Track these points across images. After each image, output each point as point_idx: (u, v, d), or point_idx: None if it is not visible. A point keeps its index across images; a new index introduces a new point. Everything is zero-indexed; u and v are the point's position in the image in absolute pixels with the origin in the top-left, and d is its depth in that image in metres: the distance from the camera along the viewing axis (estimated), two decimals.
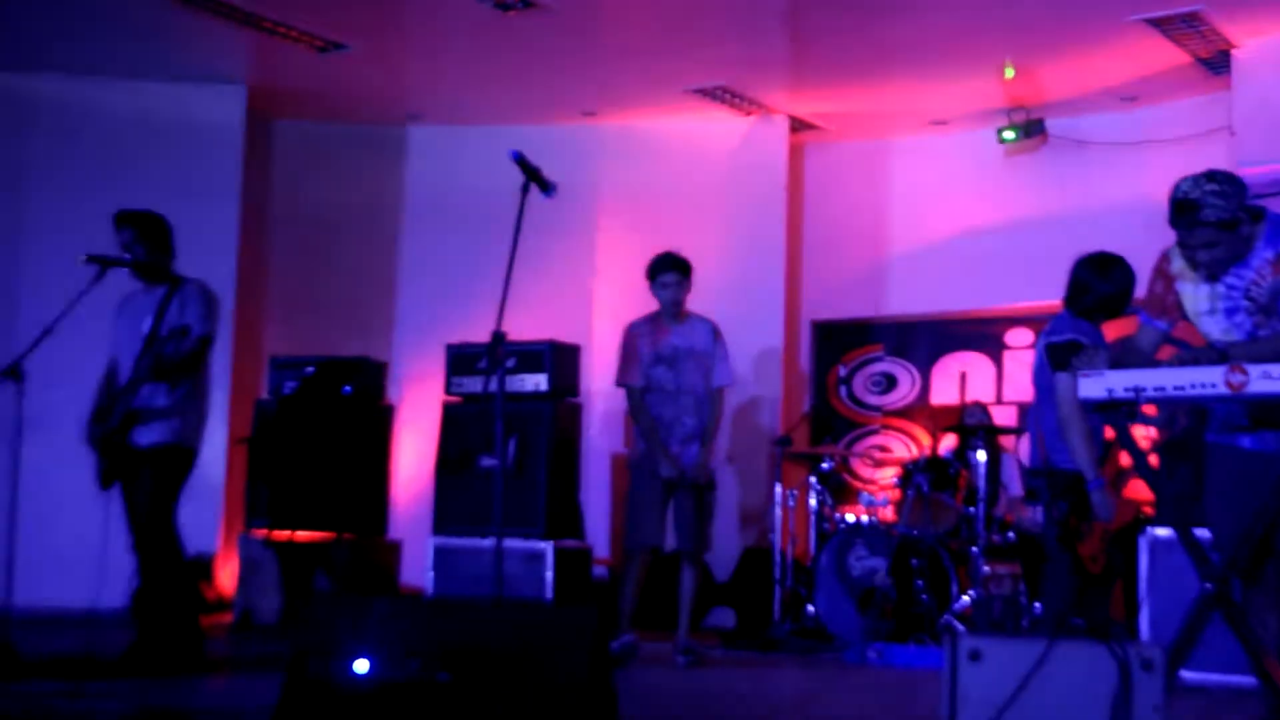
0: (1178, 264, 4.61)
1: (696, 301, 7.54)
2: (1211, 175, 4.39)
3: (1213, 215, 4.32)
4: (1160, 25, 8.39)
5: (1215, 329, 4.55)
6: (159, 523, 6.23)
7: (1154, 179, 9.58)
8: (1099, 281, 5.98)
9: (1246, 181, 4.48)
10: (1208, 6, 8.09)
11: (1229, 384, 4.16)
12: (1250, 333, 4.47)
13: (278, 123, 10.68)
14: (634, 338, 7.37)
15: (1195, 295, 4.58)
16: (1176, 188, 4.40)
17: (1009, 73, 9.29)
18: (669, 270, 7.29)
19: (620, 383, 7.38)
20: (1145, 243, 8.59)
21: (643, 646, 7.30)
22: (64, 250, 6.74)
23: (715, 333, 7.42)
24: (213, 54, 9.40)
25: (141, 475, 6.20)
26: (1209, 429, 4.71)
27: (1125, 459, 5.66)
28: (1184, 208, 4.36)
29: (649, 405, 7.28)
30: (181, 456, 6.31)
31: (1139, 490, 8.21)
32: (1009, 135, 10.00)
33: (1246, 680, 5.01)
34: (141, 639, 6.20)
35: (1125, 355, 4.72)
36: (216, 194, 9.68)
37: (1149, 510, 7.95)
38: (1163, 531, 6.67)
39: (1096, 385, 4.41)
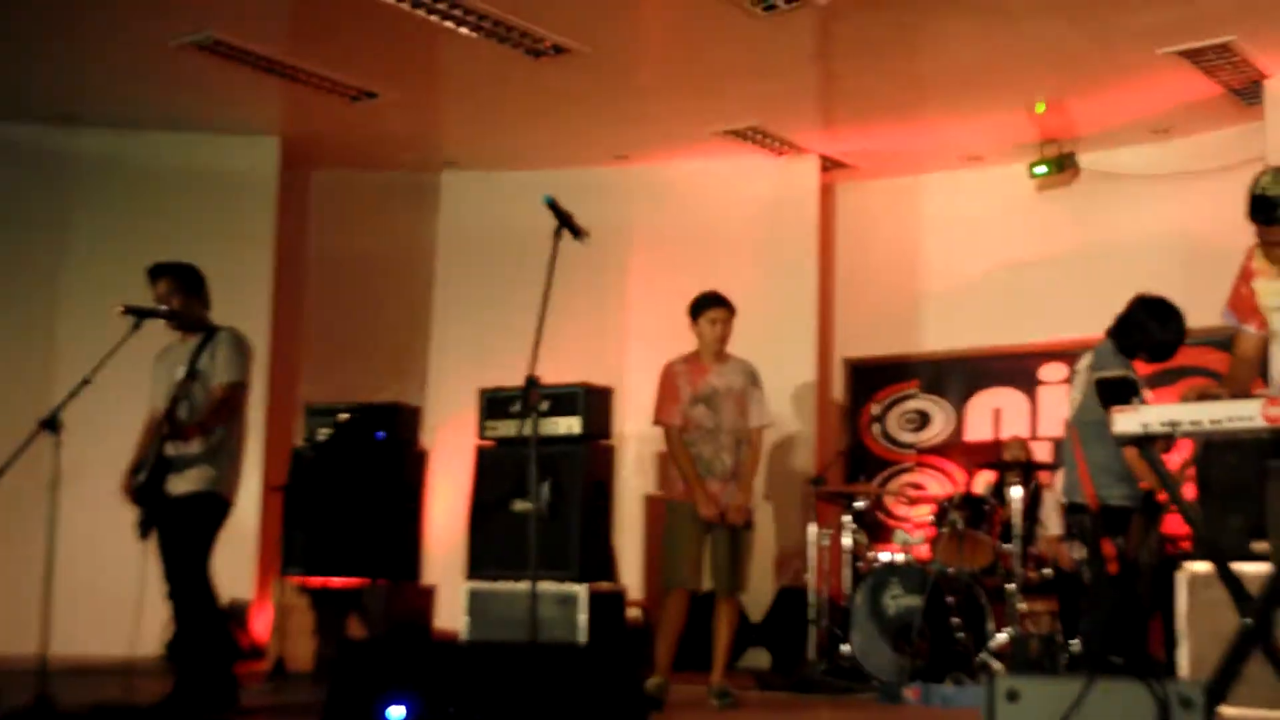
0: (1258, 260, 4.57)
1: (730, 340, 7.54)
2: None
3: None
4: (1192, 57, 8.39)
5: None
6: (193, 571, 6.24)
7: (1187, 211, 9.67)
8: (1158, 328, 5.97)
9: None
10: (1239, 37, 8.09)
11: (1267, 417, 4.12)
12: None
13: (313, 172, 10.78)
14: (673, 376, 7.35)
15: (1269, 290, 4.57)
16: (1256, 181, 4.38)
17: (1040, 108, 9.30)
18: (715, 306, 7.28)
19: (658, 421, 7.35)
20: (1178, 275, 8.64)
21: (678, 689, 7.25)
22: (102, 301, 6.79)
23: (753, 374, 7.39)
24: (246, 105, 9.51)
25: (176, 524, 6.21)
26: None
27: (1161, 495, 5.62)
28: (1262, 204, 4.35)
29: (688, 444, 7.26)
30: (216, 505, 6.32)
31: (1176, 525, 8.17)
32: (1041, 170, 10.01)
33: None
34: (178, 687, 6.18)
35: (1235, 366, 4.70)
36: (252, 243, 9.80)
37: (1186, 545, 7.90)
38: (1201, 566, 6.61)
39: (1132, 420, 4.39)
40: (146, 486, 6.19)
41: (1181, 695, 3.70)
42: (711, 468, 7.22)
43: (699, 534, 7.16)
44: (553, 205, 5.46)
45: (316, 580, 8.55)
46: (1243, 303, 4.63)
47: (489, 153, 10.58)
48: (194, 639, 6.26)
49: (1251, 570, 5.47)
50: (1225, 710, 5.62)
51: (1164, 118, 9.56)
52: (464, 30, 8.08)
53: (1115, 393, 5.79)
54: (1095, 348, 6.12)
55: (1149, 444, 4.44)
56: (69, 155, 9.87)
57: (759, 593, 9.37)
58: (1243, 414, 4.17)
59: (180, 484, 6.22)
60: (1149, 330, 5.99)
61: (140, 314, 6.29)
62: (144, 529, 6.19)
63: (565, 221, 5.48)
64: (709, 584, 7.29)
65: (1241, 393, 4.46)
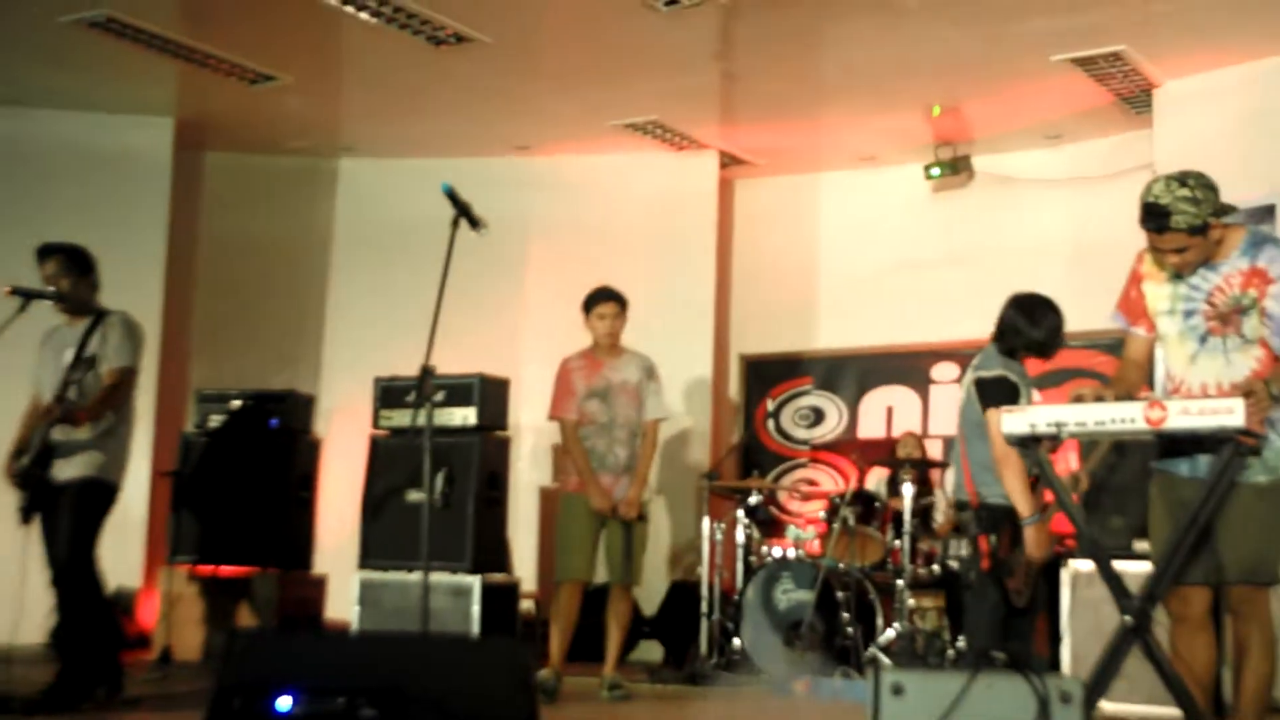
0: (1147, 265, 4.61)
1: (627, 335, 7.56)
2: (1184, 179, 4.33)
3: (1183, 222, 4.30)
4: (1084, 65, 8.53)
5: (1172, 329, 4.56)
6: (79, 558, 6.13)
7: (1078, 215, 9.86)
8: (1029, 326, 6.06)
9: None
10: (1130, 47, 8.23)
11: (1148, 420, 4.18)
12: (1203, 335, 4.47)
13: (207, 154, 10.64)
14: (568, 371, 7.38)
15: (1157, 294, 4.58)
16: (1148, 189, 4.36)
17: (936, 111, 9.42)
18: (604, 301, 7.31)
19: (553, 416, 7.38)
20: (1068, 278, 8.80)
21: (571, 680, 7.27)
22: None
23: (650, 368, 7.43)
24: (141, 85, 9.35)
25: (61, 510, 6.10)
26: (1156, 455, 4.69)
27: (1048, 494, 5.71)
28: (1154, 212, 4.33)
29: (582, 438, 7.29)
30: (102, 492, 6.22)
31: (1061, 524, 8.31)
32: (936, 172, 10.13)
33: (1170, 712, 5.07)
34: (62, 676, 6.08)
35: (1124, 368, 4.73)
36: (144, 226, 9.63)
37: (1070, 544, 8.04)
38: (1084, 564, 6.75)
39: (1019, 421, 4.42)
40: (30, 471, 6.08)
41: (1061, 690, 3.77)
42: (605, 461, 7.25)
43: (592, 527, 7.20)
44: (451, 194, 5.45)
45: (205, 568, 8.48)
46: (1132, 306, 4.68)
47: (388, 140, 10.51)
48: (78, 627, 6.15)
49: (1133, 569, 5.62)
50: (1104, 706, 5.76)
51: (1056, 124, 9.73)
52: (364, 16, 8.02)
53: (992, 393, 5.91)
54: (983, 349, 6.22)
55: (1035, 444, 4.47)
56: None
57: (652, 587, 9.40)
58: (1125, 416, 4.23)
59: (66, 469, 6.11)
60: (1021, 329, 6.08)
61: (28, 295, 6.18)
62: (26, 514, 6.09)
63: (463, 211, 5.48)
64: (602, 577, 7.32)
65: (1129, 395, 4.53)
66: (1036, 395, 6.39)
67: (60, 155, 9.69)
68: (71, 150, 9.71)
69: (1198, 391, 4.47)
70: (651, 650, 9.45)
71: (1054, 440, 4.43)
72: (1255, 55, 8.32)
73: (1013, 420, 4.45)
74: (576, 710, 6.79)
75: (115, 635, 6.42)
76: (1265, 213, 7.99)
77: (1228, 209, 4.38)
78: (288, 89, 9.30)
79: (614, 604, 7.31)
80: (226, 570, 8.49)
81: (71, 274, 6.34)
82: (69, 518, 6.10)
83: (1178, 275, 4.51)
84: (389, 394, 8.32)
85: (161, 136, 9.86)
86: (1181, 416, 4.15)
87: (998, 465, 5.83)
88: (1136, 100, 9.08)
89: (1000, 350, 6.11)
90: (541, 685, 6.71)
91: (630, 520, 7.21)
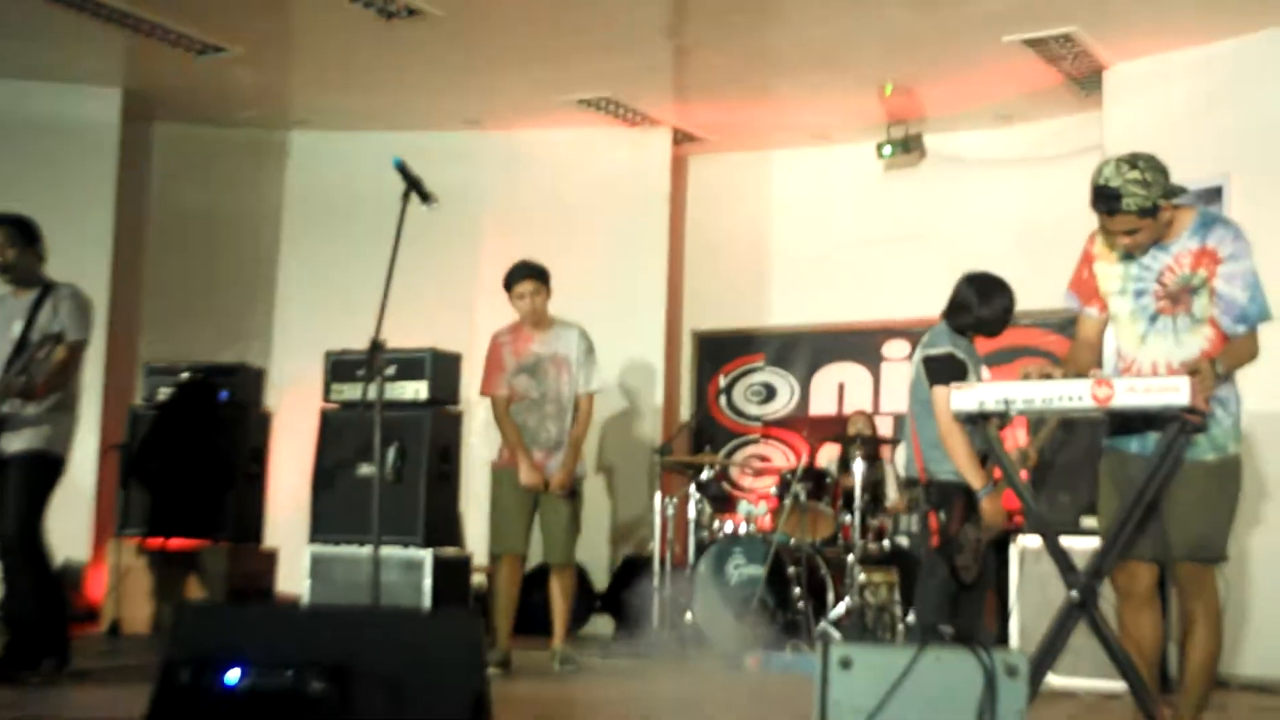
0: (1098, 246, 4.64)
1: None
2: (1133, 161, 4.35)
3: (1133, 204, 4.32)
4: (1035, 46, 8.55)
5: (1123, 309, 4.59)
6: (27, 531, 6.11)
7: (1028, 195, 9.92)
8: (980, 304, 6.12)
9: None
10: (1081, 28, 8.27)
11: (1095, 397, 4.22)
12: (1153, 315, 4.50)
13: (156, 125, 10.54)
14: (498, 347, 7.36)
15: (1109, 274, 4.61)
16: (1099, 172, 4.37)
17: (888, 89, 9.45)
18: (523, 279, 7.22)
19: (483, 392, 7.39)
20: (1018, 257, 8.85)
21: (522, 654, 7.29)
22: None
23: (583, 338, 7.36)
24: (87, 54, 9.23)
25: (8, 483, 6.09)
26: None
27: (997, 470, 5.77)
28: (1105, 194, 4.35)
29: (513, 414, 7.27)
30: (50, 464, 6.20)
31: (1009, 501, 8.39)
32: (888, 150, 10.16)
33: (1115, 686, 5.14)
34: (9, 648, 6.09)
35: (1075, 348, 4.76)
36: (91, 197, 9.53)
37: (1018, 520, 8.11)
38: (1032, 540, 6.81)
39: (968, 398, 4.45)
40: None
41: (1008, 664, 3.79)
42: (536, 437, 7.23)
43: (525, 501, 7.18)
44: (401, 168, 5.44)
45: (154, 541, 8.44)
46: (1084, 286, 4.72)
47: (339, 113, 10.44)
48: (27, 598, 6.14)
49: (1080, 546, 5.67)
50: (1051, 680, 5.82)
51: (1007, 104, 9.77)
52: None
53: (940, 371, 5.97)
54: (932, 328, 6.27)
55: (984, 421, 4.50)
56: None
57: (604, 561, 9.43)
58: (1073, 393, 4.27)
59: (14, 442, 6.08)
60: (971, 307, 6.15)
61: None
62: None
63: (414, 185, 5.47)
64: (539, 554, 7.32)
65: (1081, 373, 4.58)
66: (986, 373, 6.45)
67: (7, 125, 9.57)
68: (17, 119, 9.59)
69: (1148, 370, 4.50)
70: (603, 625, 9.48)
71: (1002, 417, 4.45)
72: (1205, 39, 8.35)
73: (961, 397, 4.47)
74: (528, 684, 6.81)
75: (62, 607, 6.38)
76: (1213, 194, 8.05)
77: (1177, 190, 4.40)
78: (237, 60, 9.22)
79: (556, 578, 7.32)
80: (176, 543, 8.45)
81: (17, 244, 6.31)
82: (16, 490, 6.09)
83: (1129, 256, 4.54)
84: (340, 368, 8.26)
85: (109, 107, 9.74)
86: (1128, 394, 4.19)
87: (944, 441, 5.89)
88: (1087, 82, 9.12)
89: (950, 327, 6.16)
90: (494, 659, 6.73)
91: (562, 495, 7.20)
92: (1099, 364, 4.79)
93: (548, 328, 7.33)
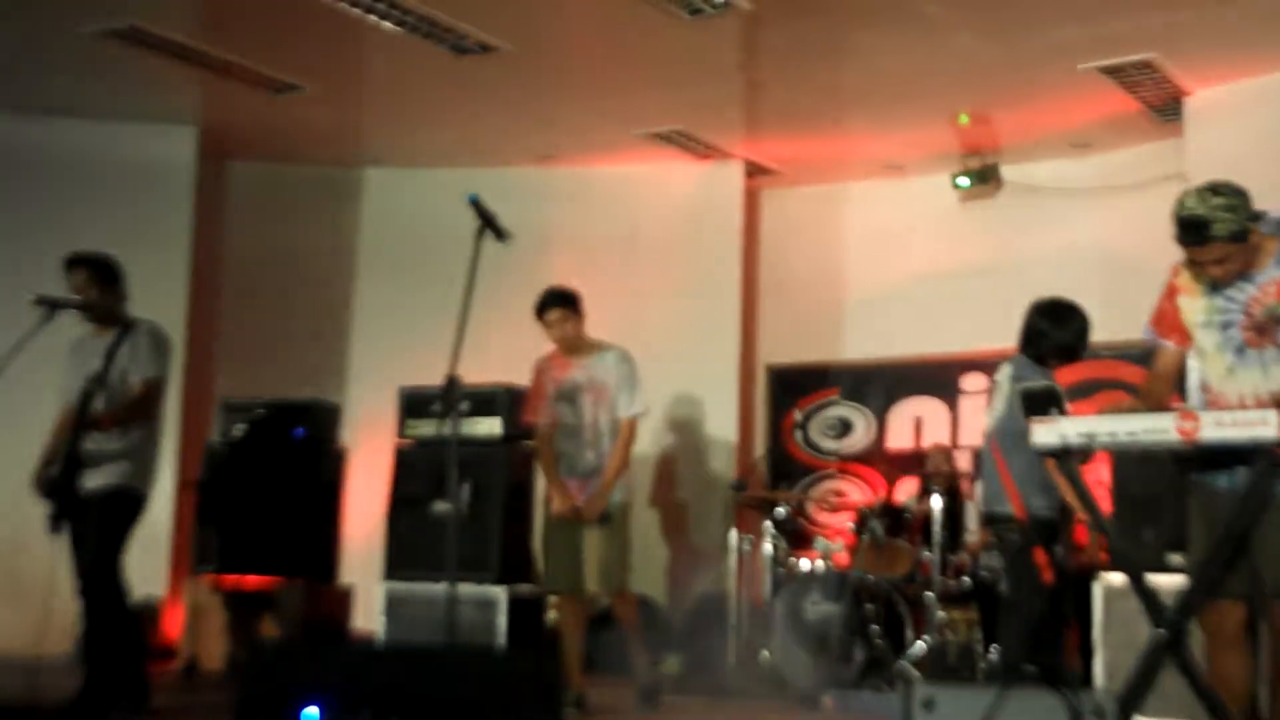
0: (1183, 278, 4.61)
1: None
2: (1215, 189, 4.34)
3: (1224, 230, 4.29)
4: (1113, 74, 8.53)
5: (1209, 342, 4.55)
6: (106, 568, 6.15)
7: (1107, 225, 9.83)
8: (1055, 329, 6.06)
9: None
10: (1160, 55, 8.24)
11: (1181, 431, 4.12)
12: (1240, 347, 4.46)
13: (231, 164, 10.69)
14: (539, 374, 7.28)
15: (1193, 307, 4.58)
16: (1181, 204, 4.35)
17: (963, 119, 9.42)
18: (550, 308, 7.13)
19: (525, 419, 7.32)
20: (1097, 288, 8.75)
21: (604, 693, 7.20)
22: (12, 293, 6.74)
23: (622, 361, 7.15)
24: (164, 94, 9.40)
25: (90, 520, 6.12)
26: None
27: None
28: (1192, 225, 4.32)
29: (555, 441, 7.14)
30: (130, 501, 6.25)
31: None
32: (964, 181, 10.11)
33: None
34: (87, 687, 6.11)
35: (1151, 380, 4.74)
36: (168, 235, 9.67)
37: (1104, 556, 7.98)
38: (1116, 578, 6.70)
39: (1050, 432, 4.38)
40: (59, 481, 6.10)
41: (1095, 705, 3.77)
42: (574, 465, 7.06)
43: (570, 537, 6.99)
44: (476, 204, 5.43)
45: (230, 579, 8.50)
46: (1164, 319, 4.69)
47: (412, 150, 10.55)
48: (104, 637, 6.17)
49: (1166, 582, 5.56)
50: None
51: (1083, 133, 9.72)
52: (388, 25, 8.03)
53: (1038, 403, 5.86)
54: (1012, 359, 6.19)
55: (1066, 456, 4.43)
56: None
57: (680, 598, 9.38)
58: (1157, 427, 4.18)
59: (95, 479, 6.13)
60: (1046, 334, 6.11)
61: (53, 304, 6.21)
62: (55, 523, 6.09)
63: (488, 221, 5.45)
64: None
65: (1157, 407, 4.52)
66: (1068, 406, 6.36)
67: (85, 165, 9.72)
68: (96, 160, 9.74)
69: (1235, 404, 4.43)
70: (678, 662, 9.41)
71: (1085, 452, 4.37)
72: None
73: (1043, 431, 4.41)
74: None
75: (139, 646, 6.46)
76: None
77: (1260, 215, 4.37)
78: (312, 98, 9.35)
79: (616, 611, 7.21)
80: (251, 581, 8.51)
81: (98, 283, 6.37)
82: (96, 527, 6.13)
83: (1214, 288, 4.50)
84: (414, 404, 8.35)
85: (185, 146, 9.90)
86: (1214, 428, 4.09)
87: (1053, 475, 5.81)
88: (1166, 109, 9.07)
89: (1030, 358, 6.08)
90: (568, 700, 6.68)
91: (593, 523, 6.98)
92: (1174, 397, 4.73)
93: (587, 353, 7.18)
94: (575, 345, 7.14)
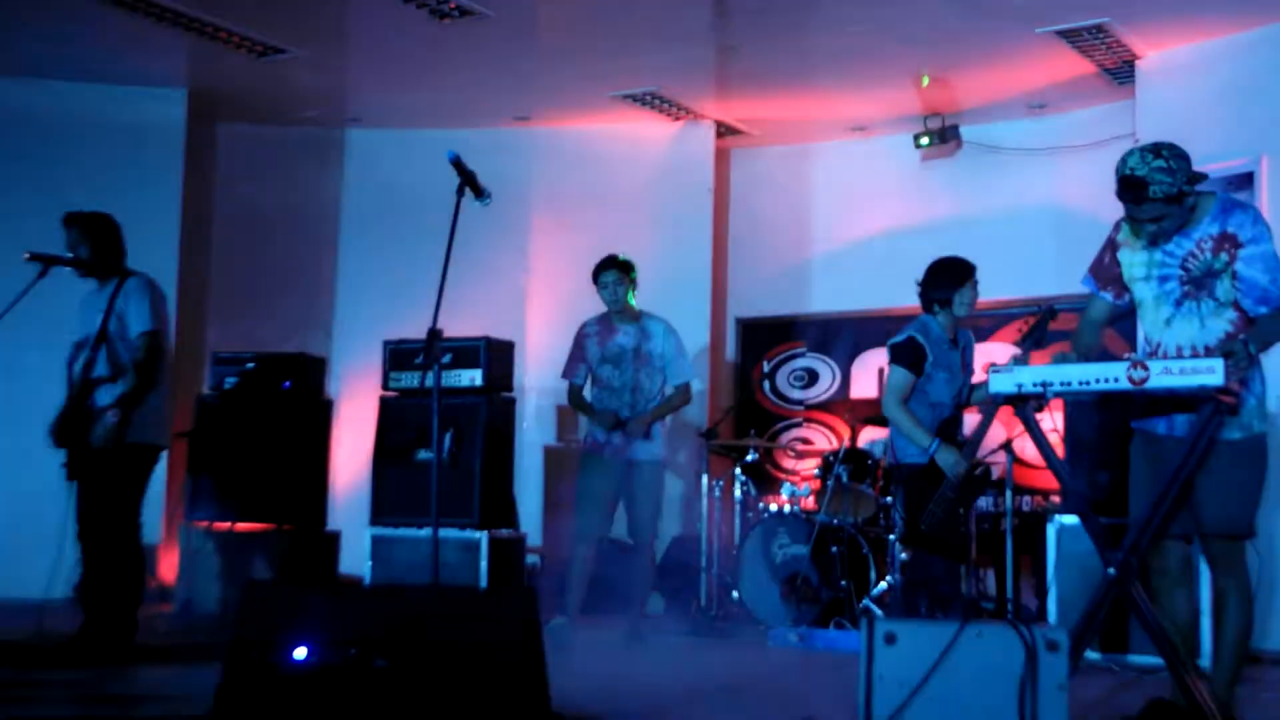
0: (1123, 233, 4.75)
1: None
2: (1157, 150, 4.46)
3: (1159, 191, 4.42)
4: (1068, 37, 8.65)
5: (1148, 294, 4.69)
6: (123, 517, 6.32)
7: (1062, 183, 10.02)
8: (924, 283, 6.82)
9: None
10: (1113, 19, 8.36)
11: (1131, 379, 4.30)
12: (1178, 300, 4.60)
13: (220, 125, 10.78)
14: (584, 336, 7.69)
15: (1133, 261, 4.71)
16: (1123, 162, 4.48)
17: (925, 81, 9.59)
18: (605, 270, 7.58)
19: (564, 376, 7.75)
20: (1051, 244, 9.02)
21: (580, 629, 7.45)
22: (5, 251, 6.87)
23: (670, 333, 7.70)
24: (153, 57, 9.46)
25: (103, 471, 6.27)
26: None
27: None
28: (1131, 184, 4.45)
29: (595, 400, 7.57)
30: (142, 452, 6.39)
31: (1047, 480, 8.57)
32: (925, 141, 10.31)
33: (1154, 660, 5.24)
34: (85, 627, 6.27)
35: (1083, 327, 4.88)
36: (158, 195, 9.77)
37: (1056, 499, 8.29)
38: (1069, 519, 6.94)
39: (1006, 380, 4.54)
40: (71, 431, 6.27)
41: (1048, 639, 3.92)
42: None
43: (609, 486, 7.47)
44: (456, 162, 5.46)
45: (223, 525, 8.61)
46: (1103, 270, 4.80)
47: (394, 111, 10.63)
48: (104, 580, 6.30)
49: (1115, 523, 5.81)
50: (1092, 654, 5.98)
51: (1040, 94, 9.85)
52: None
53: (898, 355, 6.42)
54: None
55: (1023, 403, 4.59)
56: None
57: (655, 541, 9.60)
58: (1109, 375, 4.35)
59: (107, 432, 6.25)
60: (922, 288, 6.75)
61: (46, 260, 6.36)
62: (71, 471, 6.27)
63: (468, 179, 5.47)
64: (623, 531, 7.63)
65: (1086, 353, 4.72)
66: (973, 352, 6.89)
67: (80, 127, 9.83)
68: (90, 122, 9.85)
69: (1173, 354, 4.58)
70: (654, 602, 9.64)
71: (1040, 399, 4.54)
72: (1236, 28, 8.42)
73: (1000, 379, 4.55)
74: (582, 658, 6.87)
75: (137, 591, 6.52)
76: (1245, 179, 8.17)
77: (1199, 177, 4.51)
78: (297, 61, 9.44)
79: (637, 557, 7.65)
80: (243, 527, 8.60)
81: (91, 240, 6.52)
82: (112, 478, 6.28)
83: (1153, 242, 4.64)
84: (398, 356, 8.45)
85: (175, 108, 10.00)
86: (1164, 376, 4.26)
87: (888, 415, 6.51)
88: (1119, 71, 9.20)
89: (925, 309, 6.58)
90: (553, 634, 6.93)
91: (639, 468, 7.50)
92: (1102, 346, 4.96)
93: (633, 320, 7.65)
94: (623, 308, 7.58)
